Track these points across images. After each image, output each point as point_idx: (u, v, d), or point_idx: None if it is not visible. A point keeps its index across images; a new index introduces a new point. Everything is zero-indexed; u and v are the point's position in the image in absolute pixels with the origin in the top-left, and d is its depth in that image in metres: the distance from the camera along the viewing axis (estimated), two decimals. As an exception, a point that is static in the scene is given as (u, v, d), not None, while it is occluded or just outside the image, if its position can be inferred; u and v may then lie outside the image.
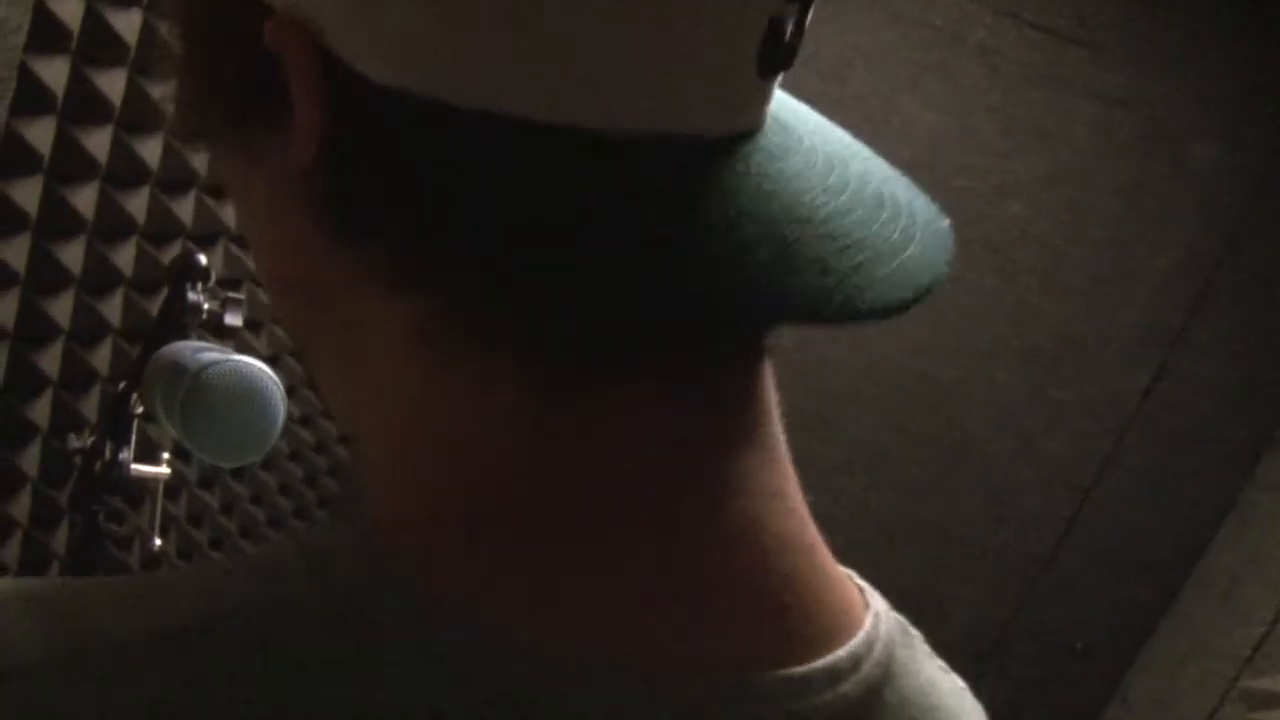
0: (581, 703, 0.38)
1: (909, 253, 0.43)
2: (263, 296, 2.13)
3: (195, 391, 0.98)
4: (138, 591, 0.40)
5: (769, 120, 0.43)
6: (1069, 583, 2.38)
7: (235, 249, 2.01)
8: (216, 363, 0.98)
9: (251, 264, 2.06)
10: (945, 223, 0.48)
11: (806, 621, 0.44)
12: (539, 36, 0.35)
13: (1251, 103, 2.11)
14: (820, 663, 0.43)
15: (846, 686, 0.44)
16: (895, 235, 0.43)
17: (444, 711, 0.37)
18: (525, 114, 0.36)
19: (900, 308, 0.41)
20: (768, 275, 0.38)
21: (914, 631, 0.53)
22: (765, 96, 0.42)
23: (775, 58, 0.40)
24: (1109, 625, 2.36)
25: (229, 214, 1.96)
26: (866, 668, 0.45)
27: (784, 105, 0.46)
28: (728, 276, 0.38)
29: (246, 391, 0.98)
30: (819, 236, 0.40)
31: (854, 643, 0.46)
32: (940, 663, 0.54)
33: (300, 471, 2.49)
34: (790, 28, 0.40)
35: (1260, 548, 1.99)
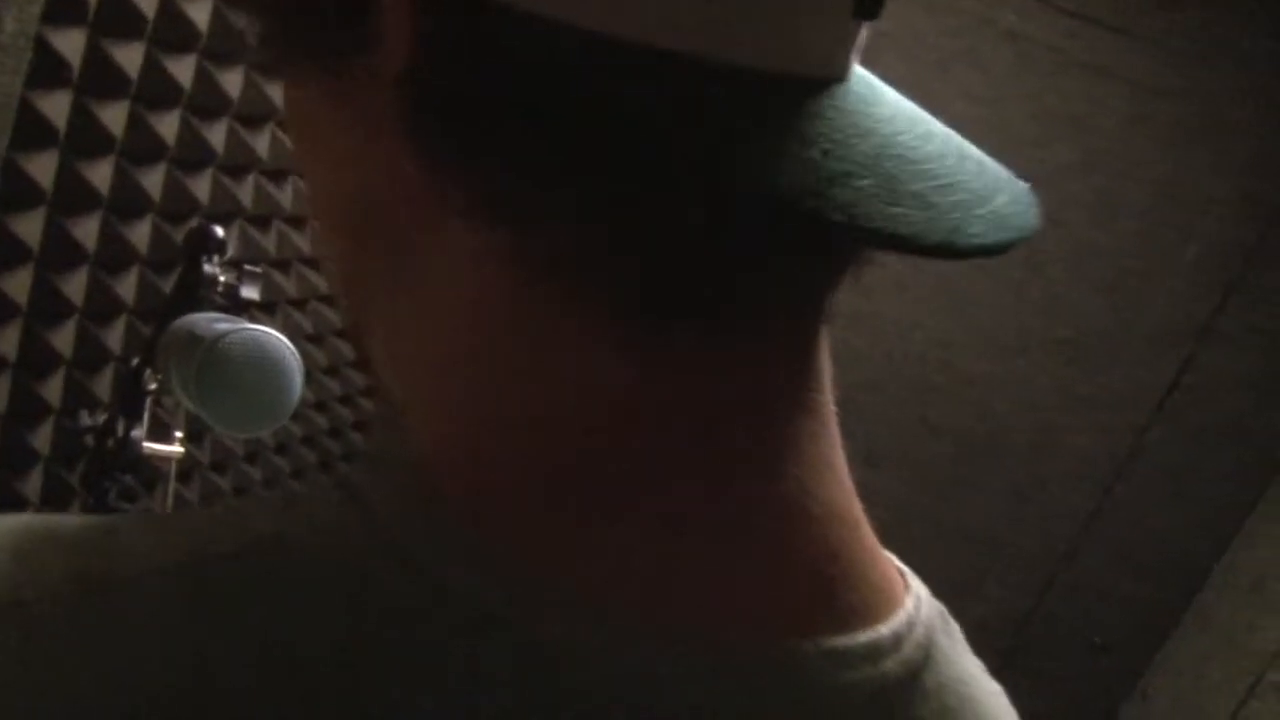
0: (629, 662, 0.38)
1: (999, 200, 0.42)
2: (278, 279, 2.11)
3: (212, 360, 0.96)
4: (170, 523, 0.39)
5: (856, 72, 0.43)
6: (1090, 578, 2.35)
7: (252, 229, 1.99)
8: (233, 331, 0.96)
9: (267, 244, 2.04)
10: (1025, 184, 0.47)
11: (851, 594, 0.44)
12: None
13: (1286, 93, 2.07)
14: (863, 637, 0.43)
15: (888, 664, 0.43)
16: (986, 184, 0.42)
17: (490, 662, 0.36)
18: (633, 37, 0.35)
19: (999, 249, 0.40)
20: (872, 202, 0.37)
21: (954, 623, 0.52)
22: (855, 42, 0.41)
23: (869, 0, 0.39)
24: (1130, 621, 2.33)
25: (246, 193, 1.94)
26: (908, 649, 0.45)
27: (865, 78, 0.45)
28: (834, 198, 0.36)
29: (264, 359, 0.96)
30: (918, 173, 0.39)
31: (896, 621, 0.45)
32: (979, 662, 0.53)
33: (314, 456, 2.47)
34: None
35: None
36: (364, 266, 0.47)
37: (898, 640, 0.44)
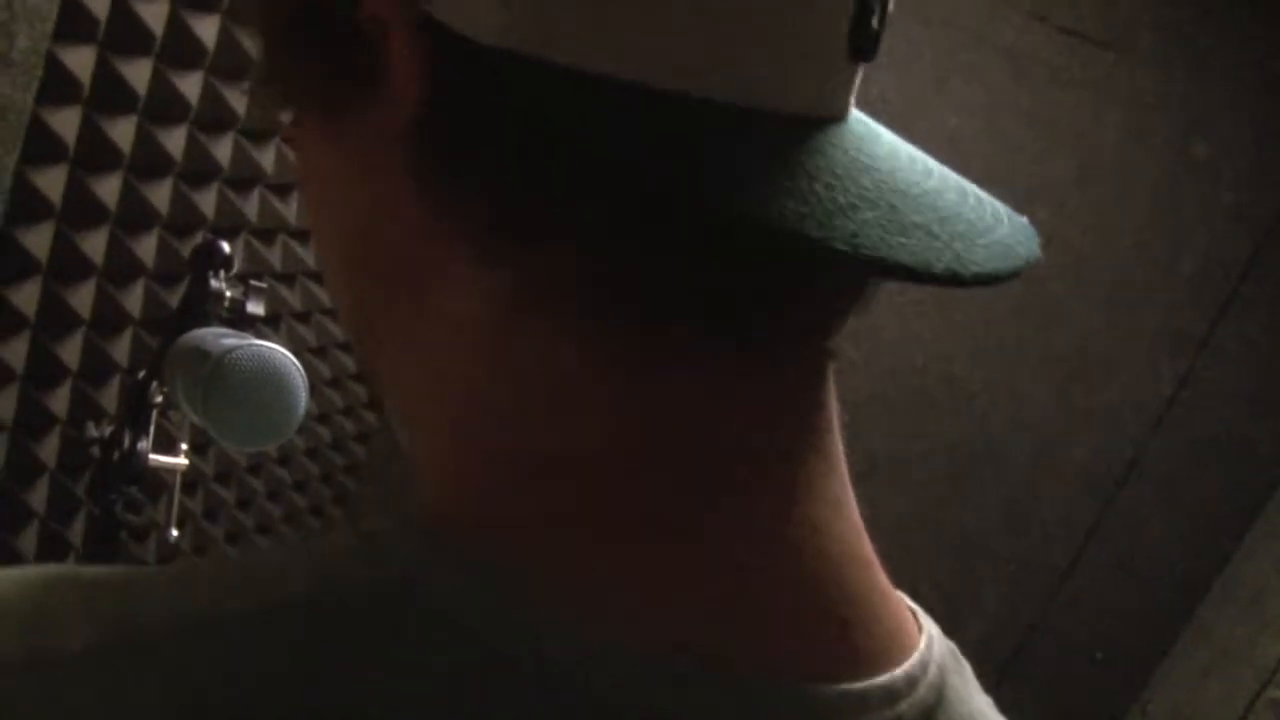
0: (646, 700, 0.38)
1: (1000, 231, 0.43)
2: (283, 293, 2.13)
3: (219, 375, 0.97)
4: (191, 578, 0.39)
5: (854, 113, 0.44)
6: (1090, 590, 2.35)
7: (257, 243, 2.01)
8: (239, 347, 0.98)
9: (272, 258, 2.06)
10: (1025, 218, 0.48)
11: (866, 637, 0.44)
12: (644, 3, 0.35)
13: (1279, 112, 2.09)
14: (878, 680, 0.43)
15: (902, 706, 0.43)
16: (986, 217, 0.43)
17: (505, 697, 0.36)
18: (635, 79, 0.36)
19: (1002, 277, 0.40)
20: (876, 232, 0.37)
21: (965, 661, 0.52)
22: (852, 83, 0.43)
23: (864, 41, 0.40)
24: (1129, 634, 2.33)
25: (251, 207, 1.96)
26: (921, 690, 0.45)
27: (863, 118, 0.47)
28: (838, 230, 0.37)
29: (270, 375, 0.97)
30: (920, 206, 0.40)
31: (910, 663, 0.45)
32: (988, 699, 0.53)
33: (316, 469, 2.49)
34: (876, 14, 0.40)
35: (1286, 559, 1.97)
36: (369, 303, 0.48)
37: (912, 682, 0.44)
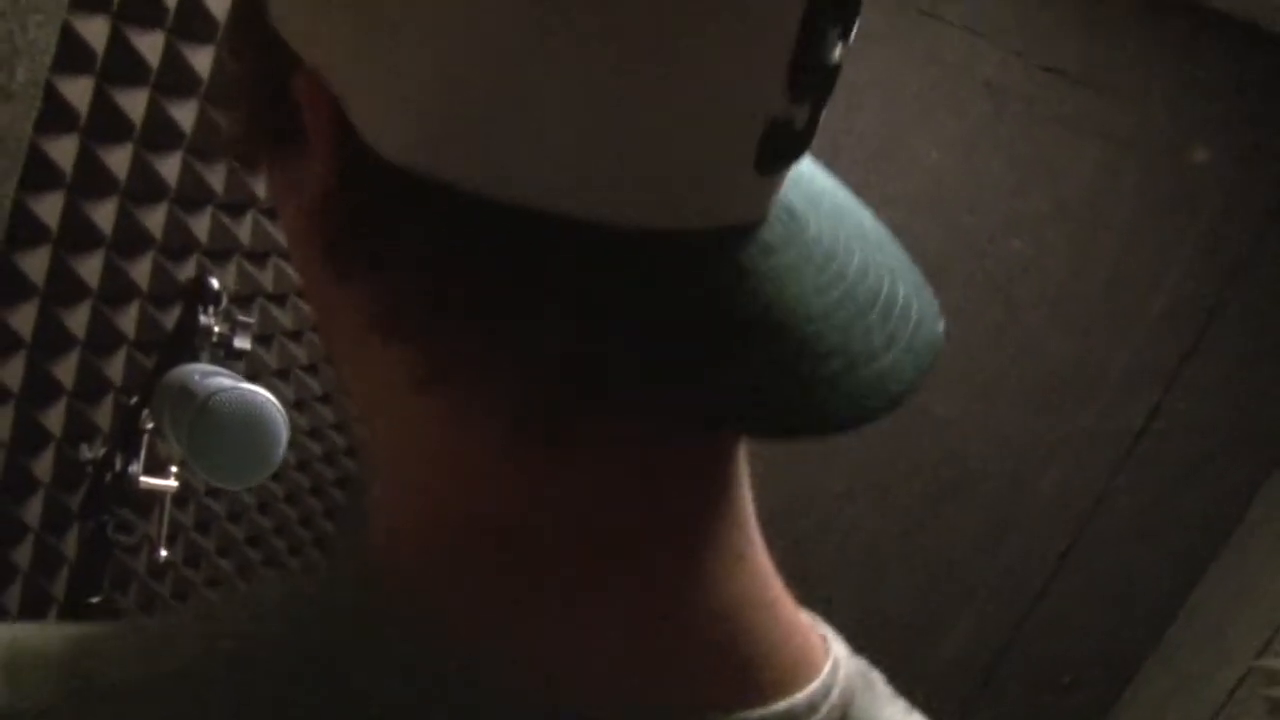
0: None
1: (887, 359, 0.44)
2: (274, 312, 2.17)
3: (202, 417, 1.01)
4: (143, 636, 0.42)
5: (776, 209, 0.44)
6: (1060, 616, 2.39)
7: (249, 265, 2.05)
8: (222, 390, 1.02)
9: (264, 279, 2.10)
10: (939, 326, 0.49)
11: (766, 670, 0.47)
12: (535, 129, 0.36)
13: (1256, 150, 2.13)
14: (777, 707, 0.46)
15: None
16: (876, 340, 0.44)
17: None
18: (516, 200, 0.37)
19: (863, 420, 0.42)
20: (727, 378, 0.39)
21: (875, 675, 0.55)
22: (767, 190, 0.42)
23: (776, 155, 0.40)
24: (1098, 660, 2.37)
25: (244, 231, 2.00)
26: (824, 711, 0.47)
27: (803, 187, 0.47)
28: (695, 379, 0.39)
29: (250, 418, 1.01)
30: (797, 342, 0.41)
31: (811, 688, 0.48)
32: (903, 704, 0.57)
33: (307, 481, 2.53)
34: (800, 123, 0.40)
35: (1248, 589, 2.01)
36: (328, 338, 0.51)
37: (813, 706, 0.47)
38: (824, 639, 0.53)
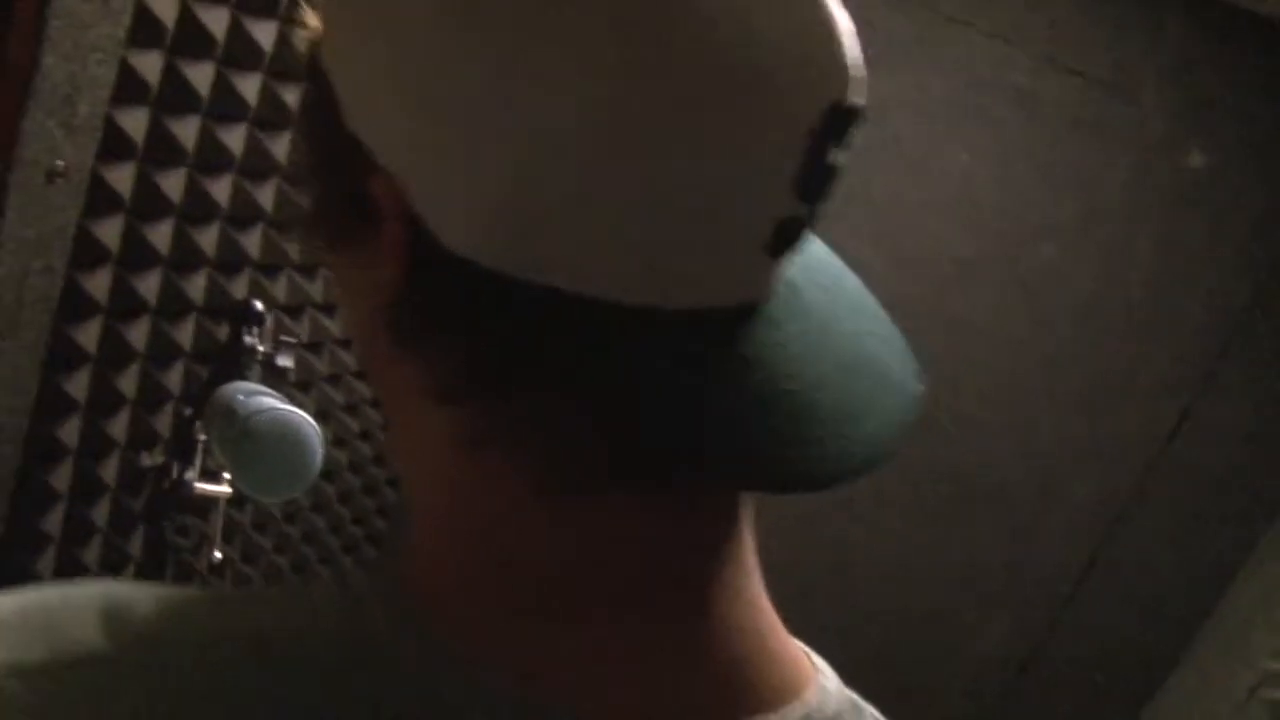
0: None
1: (871, 422, 0.49)
2: (324, 321, 2.26)
3: (242, 436, 1.09)
4: (212, 601, 0.49)
5: (779, 287, 0.49)
6: (1091, 620, 2.39)
7: (299, 278, 2.14)
8: (261, 411, 1.10)
9: (312, 293, 2.19)
10: (918, 389, 0.54)
11: (751, 692, 0.51)
12: (588, 226, 0.42)
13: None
14: None
15: None
16: (862, 403, 0.50)
17: None
18: (559, 285, 0.43)
19: (851, 476, 0.47)
20: (734, 443, 0.45)
21: (865, 706, 0.59)
22: (776, 272, 0.48)
23: (785, 244, 0.46)
24: (1129, 662, 2.37)
25: (293, 247, 2.09)
26: None
27: (802, 261, 0.51)
28: (696, 440, 0.44)
29: (286, 438, 1.09)
30: (796, 408, 0.47)
31: (789, 709, 0.52)
32: None
33: (359, 482, 2.62)
34: (805, 216, 0.46)
35: (1272, 592, 2.00)
36: (382, 399, 0.58)
37: None
38: (814, 668, 0.57)
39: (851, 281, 0.58)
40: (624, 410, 0.45)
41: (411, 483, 0.56)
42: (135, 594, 0.48)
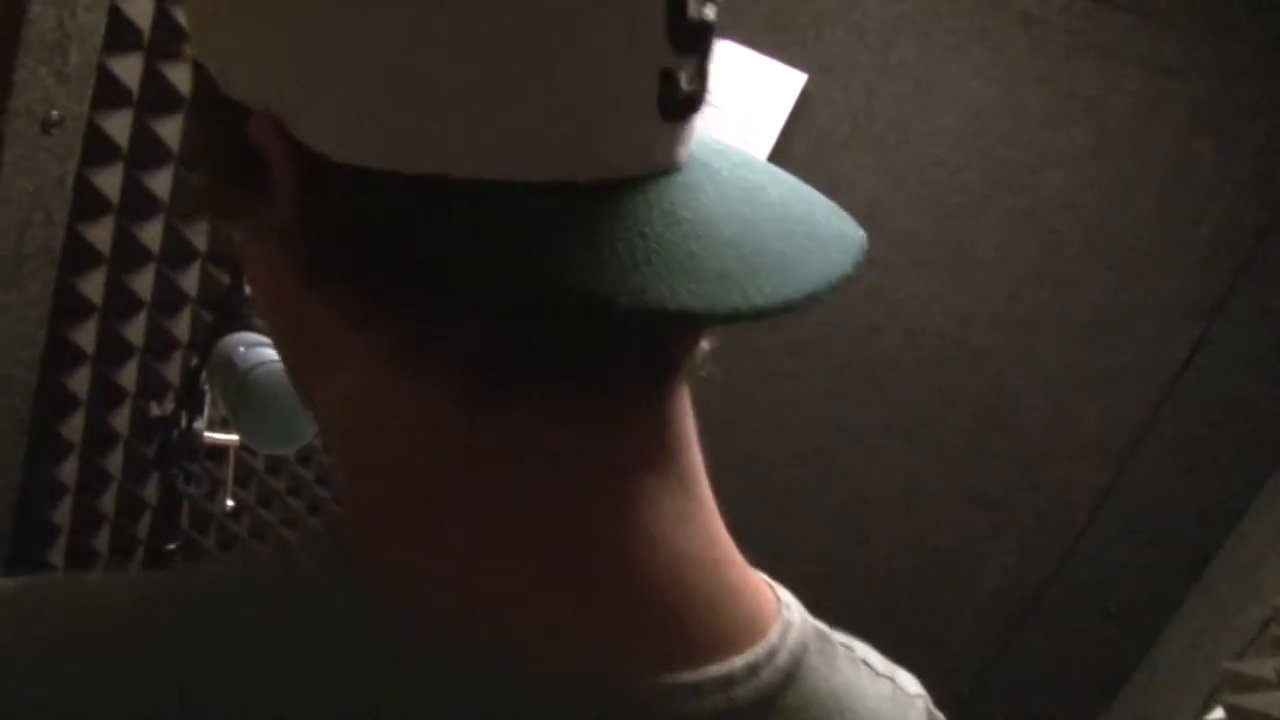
0: (478, 692, 0.45)
1: (810, 261, 0.48)
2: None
3: (242, 389, 1.09)
4: (131, 577, 0.49)
5: (689, 159, 0.49)
6: (1103, 548, 2.40)
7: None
8: (262, 364, 1.10)
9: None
10: (859, 234, 0.53)
11: (703, 631, 0.49)
12: (454, 111, 0.42)
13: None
14: (713, 670, 0.48)
15: (739, 691, 0.48)
16: (798, 245, 0.48)
17: (375, 686, 0.44)
18: (452, 173, 0.42)
19: (789, 307, 0.45)
20: (663, 284, 0.43)
21: (838, 638, 0.57)
22: (676, 138, 0.47)
23: (676, 104, 0.45)
24: (1141, 591, 2.38)
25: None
26: (765, 674, 0.50)
27: (710, 147, 0.51)
28: (629, 284, 0.42)
29: (287, 391, 1.09)
30: (719, 250, 0.45)
31: (754, 651, 0.50)
32: (876, 668, 0.59)
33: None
34: (686, 78, 0.45)
35: (1285, 525, 2.00)
36: (296, 360, 0.58)
37: (753, 669, 0.49)
38: (777, 601, 0.54)
39: (777, 171, 0.56)
40: (541, 292, 0.43)
41: (330, 427, 0.56)
42: (82, 578, 0.49)
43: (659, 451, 0.51)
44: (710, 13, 0.45)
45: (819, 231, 0.50)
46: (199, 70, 0.49)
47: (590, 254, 0.43)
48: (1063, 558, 2.41)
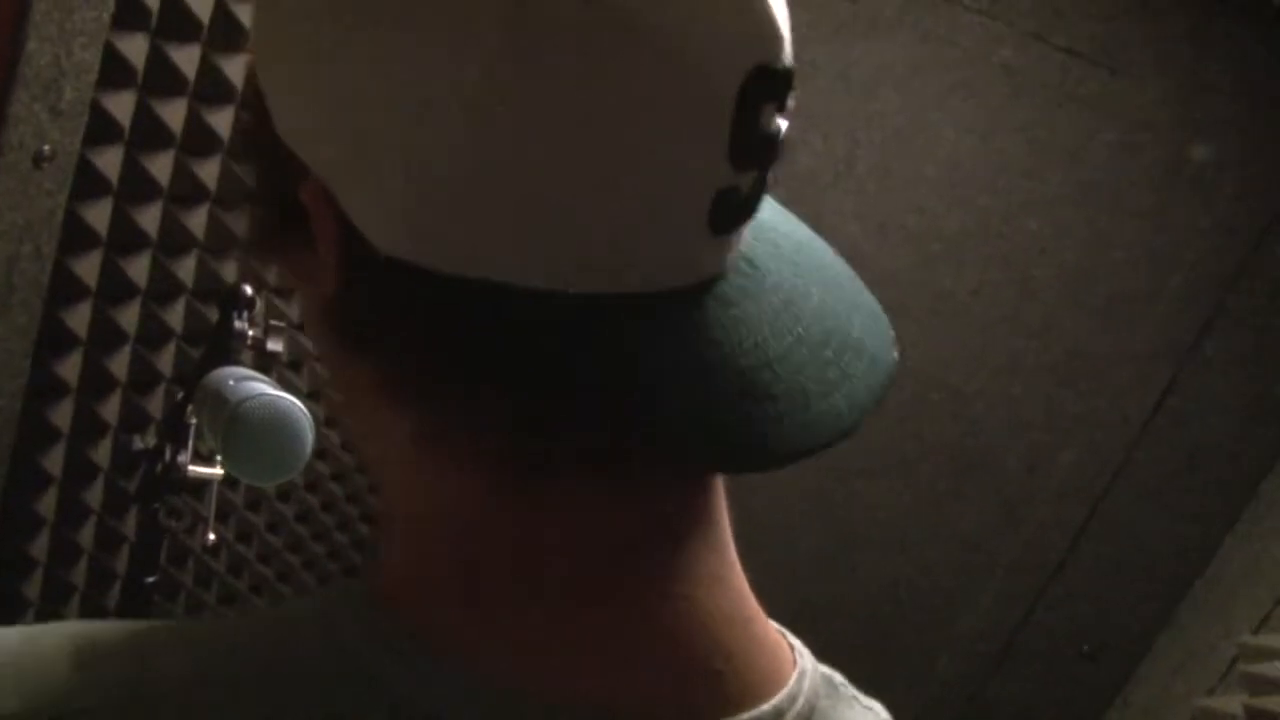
0: None
1: (838, 395, 0.48)
2: (302, 338, 2.26)
3: (233, 422, 1.10)
4: (185, 638, 0.49)
5: (735, 261, 0.49)
6: (1078, 589, 2.43)
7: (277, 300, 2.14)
8: (253, 396, 1.11)
9: (291, 312, 2.19)
10: (893, 355, 0.53)
11: (737, 682, 0.52)
12: (506, 222, 0.42)
13: (1271, 125, 2.12)
14: (746, 716, 0.51)
15: None
16: (831, 376, 0.49)
17: None
18: (493, 278, 0.42)
19: (811, 451, 0.47)
20: (684, 424, 0.44)
21: (840, 681, 0.60)
22: (723, 248, 0.47)
23: (728, 218, 0.45)
24: (1116, 632, 2.41)
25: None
26: (789, 717, 0.53)
27: (765, 235, 0.51)
28: (646, 425, 0.44)
29: (277, 424, 1.10)
30: (750, 384, 0.46)
31: (778, 698, 0.53)
32: (866, 705, 0.62)
33: (352, 460, 2.64)
34: (747, 187, 0.45)
35: (1255, 564, 2.03)
36: (343, 399, 0.57)
37: (779, 713, 0.52)
38: (793, 650, 0.57)
39: (825, 256, 0.57)
40: (571, 400, 0.44)
41: (380, 482, 0.56)
42: (102, 635, 0.48)
43: (693, 521, 0.52)
44: (781, 123, 0.45)
45: (853, 356, 0.50)
46: (254, 89, 0.49)
47: (615, 367, 0.44)
48: (1038, 598, 2.43)
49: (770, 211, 0.55)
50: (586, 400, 0.44)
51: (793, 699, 0.54)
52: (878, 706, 0.64)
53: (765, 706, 0.52)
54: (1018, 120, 2.20)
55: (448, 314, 0.44)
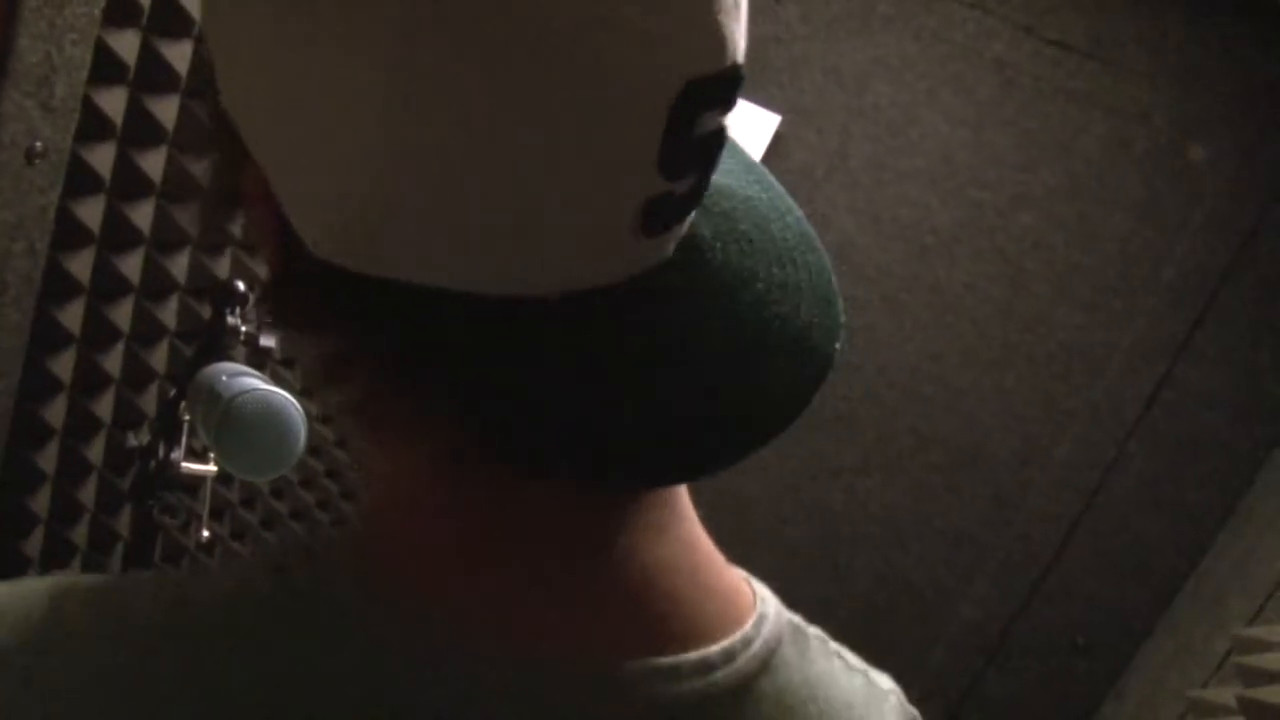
0: (477, 680, 0.47)
1: (779, 389, 0.49)
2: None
3: (226, 417, 1.10)
4: (165, 584, 0.49)
5: (674, 254, 0.47)
6: (1072, 583, 2.43)
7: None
8: (245, 391, 1.11)
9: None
10: (835, 345, 0.52)
11: (680, 624, 0.52)
12: (419, 223, 0.41)
13: (1263, 120, 2.13)
14: (691, 655, 0.51)
15: (717, 675, 0.51)
16: (754, 381, 0.49)
17: (389, 679, 0.46)
18: (416, 280, 0.42)
19: (745, 452, 0.48)
20: (597, 436, 0.45)
21: (811, 631, 0.60)
22: (660, 245, 0.46)
23: (661, 222, 0.44)
24: (1109, 625, 2.42)
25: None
26: (741, 660, 0.53)
27: (720, 207, 0.51)
28: (582, 428, 0.45)
29: (271, 418, 1.10)
30: (682, 382, 0.47)
31: (729, 640, 0.53)
32: (849, 661, 0.61)
33: (347, 457, 2.64)
34: (682, 190, 0.43)
35: (1248, 557, 2.04)
36: (307, 371, 0.60)
37: (730, 655, 0.52)
38: (754, 597, 0.57)
39: (784, 223, 0.55)
40: (499, 398, 0.45)
41: (369, 468, 0.57)
42: (80, 583, 0.49)
43: (657, 515, 0.53)
44: (716, 124, 0.43)
45: (792, 347, 0.50)
46: (210, 67, 0.47)
47: (536, 368, 0.45)
48: (1032, 592, 2.44)
49: (729, 175, 0.54)
50: (499, 400, 0.45)
51: (747, 642, 0.53)
52: (874, 672, 0.63)
53: (714, 648, 0.52)
54: (1010, 114, 2.21)
55: (363, 311, 0.45)
